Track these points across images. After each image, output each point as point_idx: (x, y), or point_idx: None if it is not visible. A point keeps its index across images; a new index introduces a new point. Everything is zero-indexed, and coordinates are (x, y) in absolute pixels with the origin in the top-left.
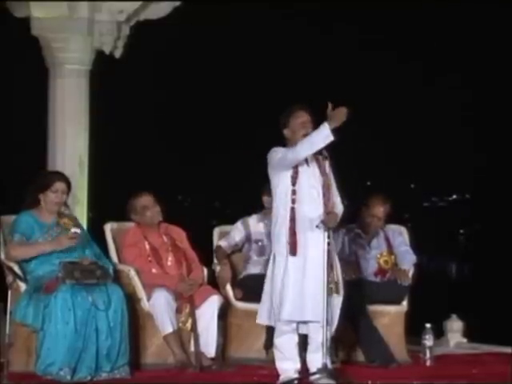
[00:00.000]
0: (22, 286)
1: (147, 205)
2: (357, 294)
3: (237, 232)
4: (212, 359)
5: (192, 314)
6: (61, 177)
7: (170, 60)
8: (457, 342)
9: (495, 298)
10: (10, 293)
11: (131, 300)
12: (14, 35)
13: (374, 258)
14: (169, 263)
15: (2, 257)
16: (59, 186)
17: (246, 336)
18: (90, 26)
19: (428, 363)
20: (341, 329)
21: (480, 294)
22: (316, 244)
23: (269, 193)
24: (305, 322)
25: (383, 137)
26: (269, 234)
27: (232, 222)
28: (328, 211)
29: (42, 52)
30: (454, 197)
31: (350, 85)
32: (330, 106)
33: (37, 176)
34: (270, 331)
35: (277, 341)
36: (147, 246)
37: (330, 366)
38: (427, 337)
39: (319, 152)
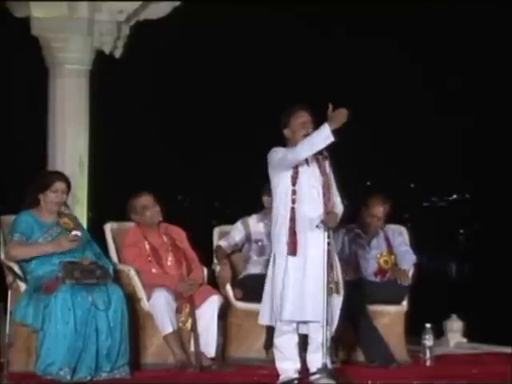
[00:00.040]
0: (22, 286)
1: (147, 205)
2: (357, 294)
3: (237, 232)
4: (212, 359)
5: (192, 314)
6: (61, 177)
7: (170, 60)
8: (457, 342)
9: (495, 297)
10: (10, 293)
11: (131, 300)
12: (13, 35)
13: (373, 258)
14: (169, 263)
15: (2, 257)
16: (59, 185)
17: (246, 336)
18: (90, 26)
19: (428, 363)
20: (341, 329)
21: (480, 294)
22: (316, 244)
23: (269, 193)
24: (305, 322)
25: (383, 137)
26: (269, 234)
27: (232, 222)
28: (328, 211)
29: (41, 52)
30: (454, 197)
31: (349, 85)
32: (330, 107)
33: (37, 176)
34: (270, 331)
35: (277, 341)
36: (147, 246)
37: (329, 365)
38: (427, 337)
39: (319, 152)
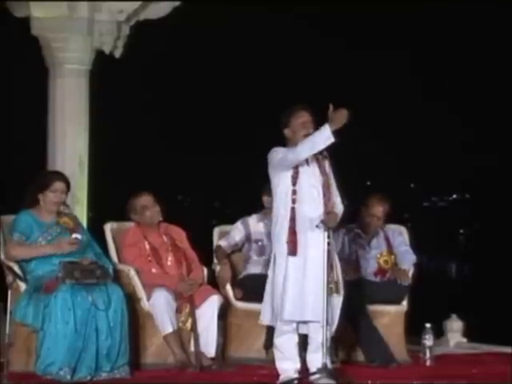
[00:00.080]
0: (22, 286)
1: (147, 205)
2: (357, 294)
3: (237, 232)
4: (212, 359)
5: (192, 314)
6: (60, 176)
7: (170, 60)
8: (457, 342)
9: (495, 297)
10: (9, 293)
11: (131, 300)
12: (13, 35)
13: (373, 258)
14: (169, 263)
15: (2, 256)
16: (58, 185)
17: (245, 336)
18: (90, 26)
19: (428, 363)
20: (341, 329)
21: (480, 293)
22: (316, 244)
23: (269, 193)
24: (305, 322)
25: (383, 137)
26: (269, 234)
27: (232, 221)
28: (328, 211)
29: (41, 52)
30: (454, 197)
31: (349, 85)
32: (331, 107)
33: (36, 176)
34: (270, 331)
35: (277, 341)
36: (147, 246)
37: (329, 365)
38: (427, 337)
39: (319, 152)
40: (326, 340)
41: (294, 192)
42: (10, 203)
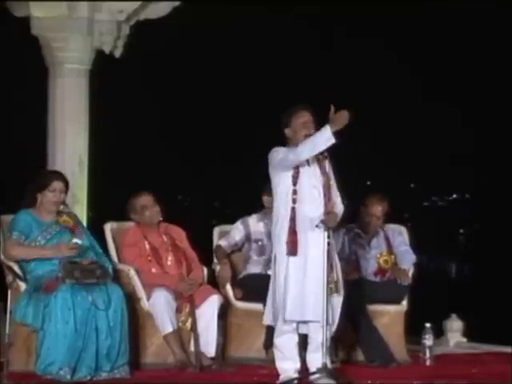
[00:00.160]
0: (22, 286)
1: (146, 204)
2: (357, 294)
3: (237, 232)
4: (212, 359)
5: (192, 314)
6: (58, 176)
7: (170, 60)
8: (457, 342)
9: (495, 297)
10: (9, 292)
11: (131, 299)
12: (13, 35)
13: (373, 258)
14: (169, 263)
15: (2, 256)
16: (57, 185)
17: (245, 336)
18: (90, 26)
19: (428, 363)
20: (341, 329)
21: (480, 293)
22: (316, 244)
23: (269, 192)
24: (305, 322)
25: (383, 137)
26: (269, 234)
27: (232, 221)
28: (328, 211)
29: (41, 51)
30: (454, 196)
31: (350, 85)
32: (332, 109)
33: (36, 175)
34: (270, 331)
35: (277, 340)
36: (147, 246)
37: (329, 365)
38: (427, 336)
39: (320, 152)
40: (326, 340)
41: (295, 192)
42: (9, 203)
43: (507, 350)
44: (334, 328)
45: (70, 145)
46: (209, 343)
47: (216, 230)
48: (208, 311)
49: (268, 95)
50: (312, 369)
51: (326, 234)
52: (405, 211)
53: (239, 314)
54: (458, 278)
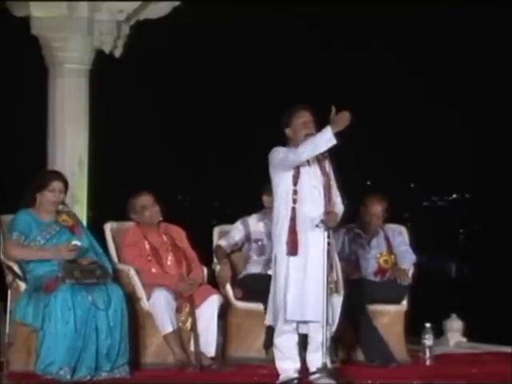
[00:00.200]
0: (22, 286)
1: (146, 204)
2: (357, 294)
3: (236, 231)
4: (212, 359)
5: (192, 314)
6: (58, 176)
7: (170, 60)
8: (456, 342)
9: (495, 297)
10: (9, 292)
11: (131, 299)
12: (13, 35)
13: (373, 258)
14: (168, 263)
15: (2, 256)
16: (56, 185)
17: (245, 335)
18: (90, 26)
19: (428, 363)
20: (341, 329)
21: (480, 293)
22: (317, 244)
23: (269, 192)
24: (305, 322)
25: (383, 137)
26: (269, 234)
27: (232, 221)
28: (328, 211)
29: (41, 51)
30: (454, 196)
31: (350, 85)
32: (333, 109)
33: (35, 175)
34: (270, 331)
35: (277, 340)
36: (147, 246)
37: (329, 365)
38: (427, 336)
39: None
40: (326, 340)
41: (295, 192)
42: (9, 203)
43: (507, 349)
44: (334, 328)
45: (70, 145)
46: (209, 343)
47: (216, 230)
48: (208, 311)
49: (268, 95)
50: (312, 369)
51: (326, 233)
52: (405, 211)
53: (239, 314)
54: (457, 278)
